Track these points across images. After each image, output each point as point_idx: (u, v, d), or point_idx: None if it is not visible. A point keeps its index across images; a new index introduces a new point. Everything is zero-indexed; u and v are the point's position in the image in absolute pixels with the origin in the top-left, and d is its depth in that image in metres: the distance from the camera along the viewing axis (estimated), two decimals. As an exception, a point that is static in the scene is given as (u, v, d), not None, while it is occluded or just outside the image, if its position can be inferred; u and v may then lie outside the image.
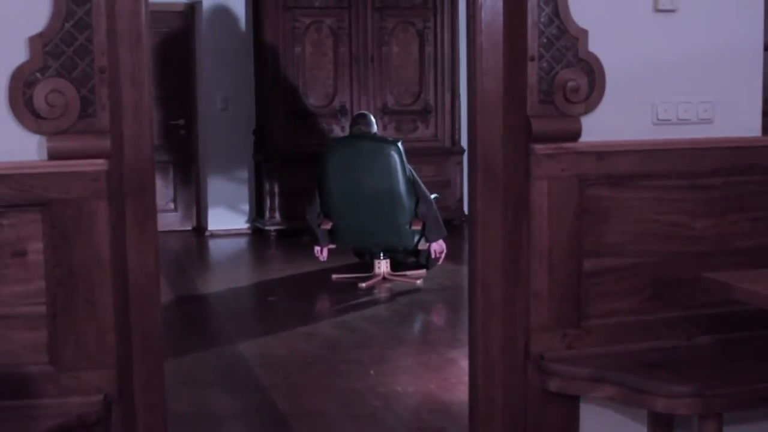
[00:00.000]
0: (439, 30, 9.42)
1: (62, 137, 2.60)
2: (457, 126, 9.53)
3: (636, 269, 3.01)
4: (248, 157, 9.56)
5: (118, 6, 2.64)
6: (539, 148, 2.90)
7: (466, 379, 3.27)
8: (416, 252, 6.98)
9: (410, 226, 6.68)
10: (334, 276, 7.10)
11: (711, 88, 3.08)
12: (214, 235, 9.51)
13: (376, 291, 6.77)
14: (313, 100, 9.20)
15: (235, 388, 4.62)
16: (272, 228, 9.12)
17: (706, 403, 2.68)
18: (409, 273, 7.03)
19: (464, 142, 9.13)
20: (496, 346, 2.99)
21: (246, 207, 9.67)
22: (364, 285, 6.81)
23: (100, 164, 2.62)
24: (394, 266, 7.03)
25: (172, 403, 3.28)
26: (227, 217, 9.61)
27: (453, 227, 8.73)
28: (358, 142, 6.80)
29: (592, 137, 2.96)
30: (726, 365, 2.88)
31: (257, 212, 9.50)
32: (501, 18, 2.91)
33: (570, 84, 2.91)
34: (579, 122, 2.95)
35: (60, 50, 2.58)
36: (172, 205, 9.80)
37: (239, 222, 9.67)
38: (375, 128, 7.09)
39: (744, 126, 3.12)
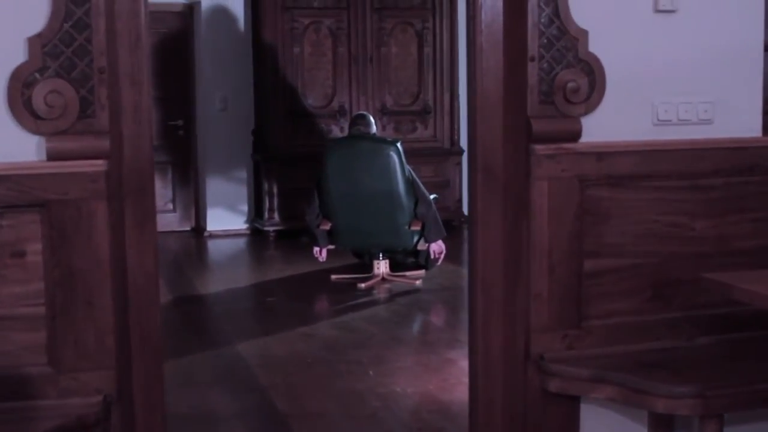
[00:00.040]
0: (437, 30, 9.42)
1: (61, 138, 2.59)
2: (456, 126, 9.52)
3: (636, 270, 3.01)
4: (247, 157, 9.55)
5: (117, 6, 2.63)
6: (539, 148, 2.90)
7: (466, 379, 3.27)
8: (415, 252, 6.98)
9: (409, 227, 6.68)
10: (333, 276, 7.10)
11: (711, 88, 3.08)
12: (213, 236, 9.50)
13: (375, 291, 6.77)
14: (312, 100, 9.20)
15: (235, 388, 4.62)
16: (271, 228, 9.11)
17: (706, 404, 2.68)
18: (408, 273, 7.03)
19: (463, 143, 9.13)
20: (497, 346, 2.99)
21: (245, 207, 9.67)
22: (363, 285, 6.81)
23: (99, 165, 2.61)
24: (394, 267, 7.03)
25: (172, 404, 3.27)
26: (226, 218, 9.61)
27: (452, 228, 8.72)
28: (358, 142, 6.80)
29: (593, 138, 2.96)
30: (727, 366, 2.88)
31: (256, 213, 9.50)
32: (501, 18, 2.91)
33: (570, 84, 2.90)
34: (579, 123, 2.94)
35: (59, 50, 2.57)
36: (170, 206, 9.80)
37: (238, 222, 9.66)
38: (374, 129, 7.09)
39: (744, 126, 3.12)
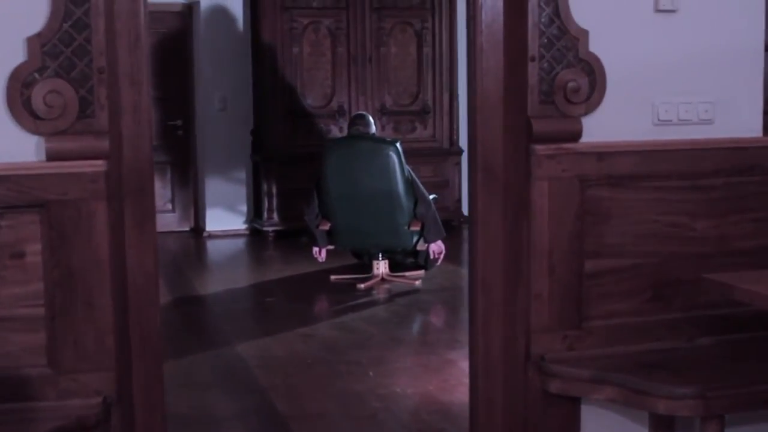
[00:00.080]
0: (437, 30, 9.41)
1: (61, 138, 2.59)
2: (455, 126, 9.52)
3: (637, 270, 3.00)
4: (246, 157, 9.55)
5: (117, 6, 2.63)
6: (540, 148, 2.89)
7: (466, 380, 3.26)
8: (415, 253, 6.97)
9: (409, 227, 6.68)
10: (332, 277, 7.09)
11: (712, 88, 3.07)
12: (212, 236, 9.49)
13: (374, 292, 6.76)
14: (311, 100, 9.19)
15: (234, 389, 4.61)
16: (270, 229, 9.11)
17: (707, 405, 2.67)
18: (407, 274, 7.02)
19: (462, 143, 9.14)
20: (497, 347, 2.98)
21: (244, 208, 9.66)
22: (362, 286, 6.80)
23: (98, 165, 2.60)
24: (393, 267, 7.02)
25: (171, 405, 3.26)
26: (225, 218, 9.60)
27: (451, 228, 8.72)
28: (357, 142, 6.79)
29: (593, 138, 2.95)
30: (727, 366, 2.87)
31: (255, 213, 9.49)
32: (501, 18, 2.90)
33: (570, 84, 2.90)
34: (579, 123, 2.94)
35: (58, 50, 2.57)
36: (169, 206, 9.79)
37: (237, 223, 9.65)
38: (373, 129, 7.09)
39: (745, 126, 3.11)
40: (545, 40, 2.87)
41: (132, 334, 2.72)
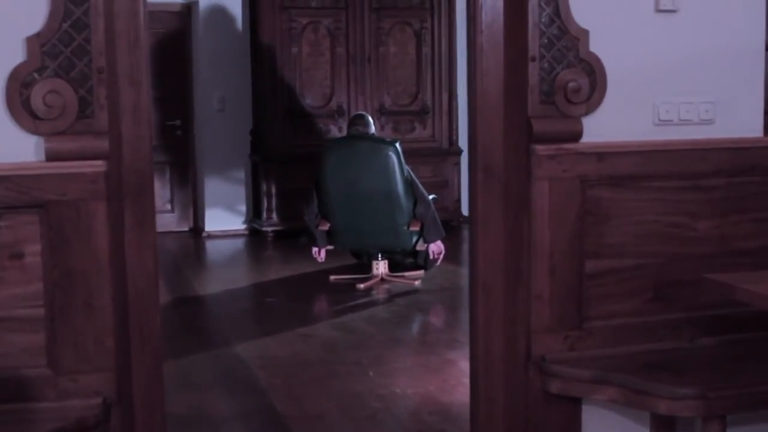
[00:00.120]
0: (436, 30, 9.41)
1: (60, 138, 2.58)
2: (454, 126, 9.52)
3: (638, 270, 3.00)
4: (245, 157, 9.54)
5: (116, 6, 2.62)
6: (540, 148, 2.89)
7: (466, 380, 3.26)
8: (414, 253, 6.97)
9: (408, 227, 6.67)
10: (332, 277, 7.09)
11: (712, 88, 3.07)
12: (211, 236, 9.49)
13: (374, 292, 6.76)
14: (310, 100, 9.19)
15: (234, 389, 4.61)
16: (269, 229, 9.10)
17: (708, 405, 2.67)
18: (407, 274, 7.02)
19: (462, 143, 9.14)
20: (497, 347, 2.98)
21: (243, 208, 9.65)
22: (362, 286, 6.80)
23: (98, 165, 2.60)
24: (392, 267, 7.02)
25: (171, 405, 3.26)
26: (224, 218, 9.59)
27: (451, 228, 8.72)
28: (356, 142, 6.79)
29: (593, 138, 2.95)
30: (728, 367, 2.87)
31: (254, 213, 9.49)
32: (501, 18, 2.90)
33: (571, 84, 2.89)
34: (580, 123, 2.93)
35: (58, 50, 2.56)
36: (169, 206, 9.78)
37: (236, 223, 9.65)
38: (372, 129, 7.08)
39: (746, 126, 3.11)
40: (545, 40, 2.87)
41: (132, 335, 2.72)
